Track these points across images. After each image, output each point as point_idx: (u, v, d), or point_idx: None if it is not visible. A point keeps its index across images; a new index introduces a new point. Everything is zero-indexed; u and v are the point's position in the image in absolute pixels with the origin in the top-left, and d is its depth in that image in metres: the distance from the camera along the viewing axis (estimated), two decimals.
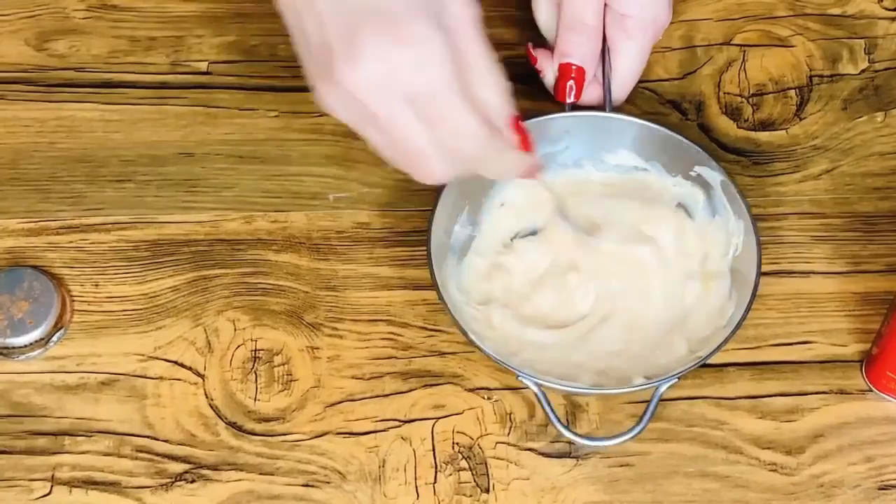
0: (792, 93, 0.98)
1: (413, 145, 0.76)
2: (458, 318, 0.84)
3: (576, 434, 0.83)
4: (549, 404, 0.83)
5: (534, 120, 0.89)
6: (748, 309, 0.84)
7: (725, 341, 0.83)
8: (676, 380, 0.83)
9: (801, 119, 0.97)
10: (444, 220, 0.88)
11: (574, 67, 0.91)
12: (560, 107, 0.93)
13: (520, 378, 0.83)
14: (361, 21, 0.73)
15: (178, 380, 0.87)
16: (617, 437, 0.83)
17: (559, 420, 0.83)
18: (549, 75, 0.93)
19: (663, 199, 0.91)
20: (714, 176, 0.89)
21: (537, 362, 0.85)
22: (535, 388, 0.83)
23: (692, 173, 0.90)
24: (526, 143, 0.80)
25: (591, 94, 0.93)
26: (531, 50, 0.93)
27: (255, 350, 0.88)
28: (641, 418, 0.82)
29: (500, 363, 0.83)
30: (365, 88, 0.74)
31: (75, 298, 0.90)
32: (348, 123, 0.77)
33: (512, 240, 0.91)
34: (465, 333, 0.83)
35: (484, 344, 0.84)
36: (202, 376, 0.87)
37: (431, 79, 0.74)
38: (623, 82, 0.93)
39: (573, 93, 0.92)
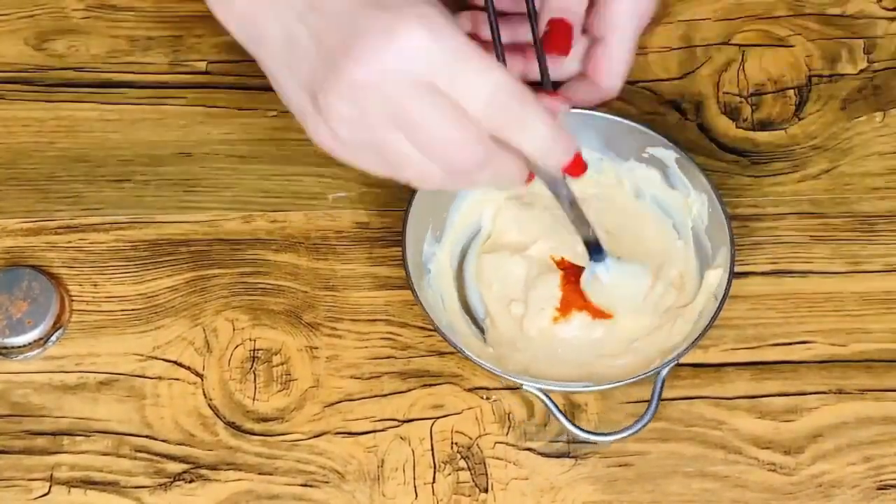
0: (791, 93, 0.98)
1: (438, 123, 0.71)
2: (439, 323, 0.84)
3: (583, 430, 0.83)
4: (553, 404, 0.83)
5: None
6: (730, 280, 0.84)
7: (716, 314, 0.84)
8: (676, 362, 0.83)
9: (800, 119, 0.97)
10: (414, 240, 0.88)
11: (563, 23, 0.85)
12: None
13: (524, 388, 0.83)
14: (359, 17, 0.70)
15: (177, 380, 0.87)
16: (624, 431, 0.83)
17: (565, 416, 0.83)
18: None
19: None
20: (668, 154, 0.89)
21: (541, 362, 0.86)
22: (539, 394, 0.83)
23: (644, 155, 0.90)
24: (556, 94, 0.76)
25: (581, 93, 0.88)
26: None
27: (254, 350, 0.88)
28: (648, 408, 0.82)
29: (504, 376, 0.84)
30: (379, 76, 0.70)
31: (74, 298, 0.90)
32: (356, 144, 0.73)
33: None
34: (445, 337, 0.83)
35: (477, 355, 0.84)
36: (201, 376, 0.87)
37: (447, 44, 0.70)
38: (619, 70, 0.86)
39: (560, 46, 0.85)
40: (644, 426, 0.82)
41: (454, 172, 0.74)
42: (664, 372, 0.83)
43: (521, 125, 0.73)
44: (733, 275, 0.85)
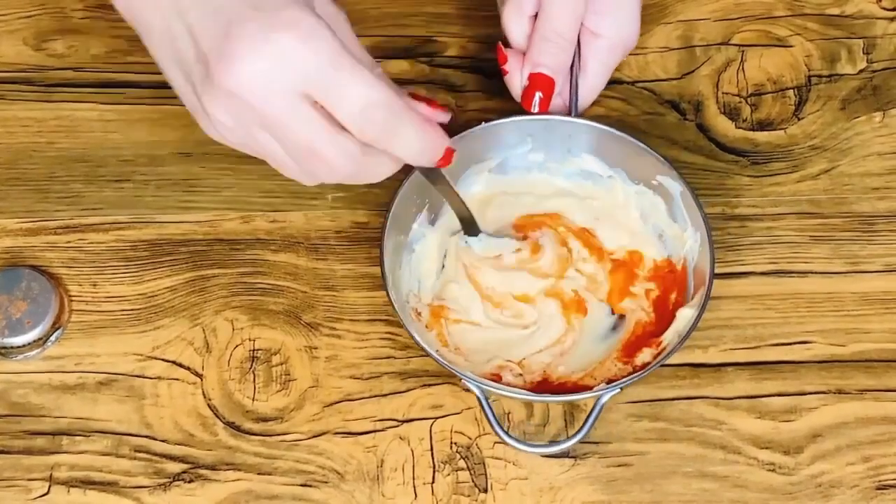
0: (790, 93, 0.98)
1: (308, 137, 0.72)
2: (405, 318, 0.84)
3: (514, 439, 0.82)
4: (489, 407, 0.83)
5: (497, 122, 0.90)
6: (698, 317, 0.84)
7: (675, 349, 0.83)
8: (619, 389, 0.82)
9: (799, 119, 0.97)
10: (401, 217, 0.88)
11: (545, 78, 0.90)
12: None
13: (463, 381, 0.83)
14: (233, 18, 0.70)
15: (177, 380, 0.87)
16: (556, 444, 0.83)
17: (498, 423, 0.82)
18: (515, 79, 0.91)
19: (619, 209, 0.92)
20: (674, 186, 0.89)
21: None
22: (477, 392, 0.83)
23: (654, 182, 0.90)
24: (435, 104, 0.77)
25: (552, 104, 0.92)
26: (502, 49, 0.92)
27: (254, 350, 0.88)
28: (583, 426, 0.82)
29: (443, 364, 0.83)
30: (248, 85, 0.70)
31: (73, 298, 0.90)
32: (237, 143, 0.75)
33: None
34: (411, 334, 0.83)
35: (435, 350, 0.84)
36: (200, 376, 0.87)
37: (321, 51, 0.70)
38: (587, 98, 0.92)
39: (539, 103, 0.90)
40: (572, 444, 0.82)
41: (324, 178, 0.75)
42: (605, 398, 0.82)
43: (391, 136, 0.74)
44: (700, 317, 0.84)
